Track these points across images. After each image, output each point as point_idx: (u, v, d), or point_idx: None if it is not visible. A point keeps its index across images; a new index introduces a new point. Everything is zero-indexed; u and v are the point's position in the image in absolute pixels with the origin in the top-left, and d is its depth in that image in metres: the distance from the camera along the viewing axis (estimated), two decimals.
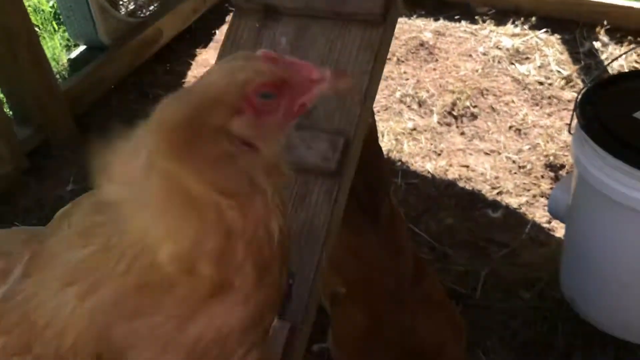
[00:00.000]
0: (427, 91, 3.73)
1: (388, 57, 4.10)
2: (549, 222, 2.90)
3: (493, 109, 3.59)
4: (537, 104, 3.59)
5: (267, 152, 0.85)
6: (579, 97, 2.04)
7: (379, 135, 3.50)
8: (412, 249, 1.97)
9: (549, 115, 3.50)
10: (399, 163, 3.32)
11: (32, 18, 3.70)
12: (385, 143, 3.44)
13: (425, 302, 1.83)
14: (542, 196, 3.04)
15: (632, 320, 2.16)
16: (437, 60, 3.97)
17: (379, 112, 3.65)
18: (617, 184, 1.84)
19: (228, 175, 0.82)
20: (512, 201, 3.03)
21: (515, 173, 3.21)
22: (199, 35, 4.34)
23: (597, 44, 3.91)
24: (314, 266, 1.20)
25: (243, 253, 0.84)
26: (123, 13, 3.92)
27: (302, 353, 1.22)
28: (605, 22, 3.94)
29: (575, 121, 2.07)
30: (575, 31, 4.02)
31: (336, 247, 1.91)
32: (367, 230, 1.87)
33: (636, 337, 2.19)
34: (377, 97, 3.76)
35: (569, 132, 2.14)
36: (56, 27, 4.24)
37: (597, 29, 3.98)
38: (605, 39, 3.93)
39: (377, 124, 3.57)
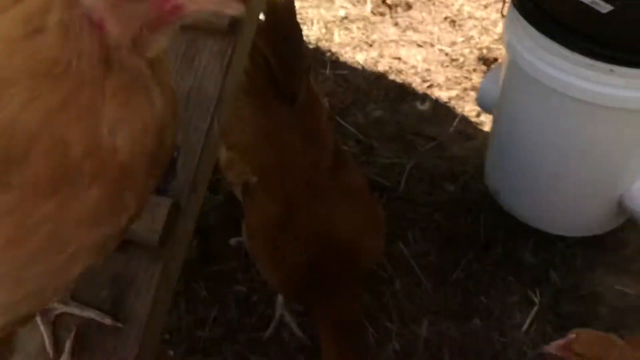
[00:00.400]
0: None
1: None
2: (478, 116, 2.82)
3: None
4: None
5: (116, 36, 0.73)
6: None
7: (308, 23, 3.28)
8: (333, 138, 1.83)
9: (485, 6, 3.36)
10: (328, 53, 3.13)
11: None
12: (315, 32, 3.23)
13: (344, 193, 1.71)
14: (473, 90, 2.94)
15: (553, 211, 2.14)
16: None
17: None
18: (550, 68, 1.75)
19: None
20: (443, 94, 2.93)
21: (447, 66, 3.08)
22: None
23: None
24: (201, 137, 1.04)
25: None
26: None
27: (188, 234, 1.09)
28: None
29: (508, 3, 1.93)
30: None
31: (247, 131, 1.76)
32: (282, 112, 1.70)
33: (557, 228, 2.19)
34: None
35: (502, 14, 2.00)
36: None
37: None
38: None
39: (306, 11, 3.35)
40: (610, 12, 1.74)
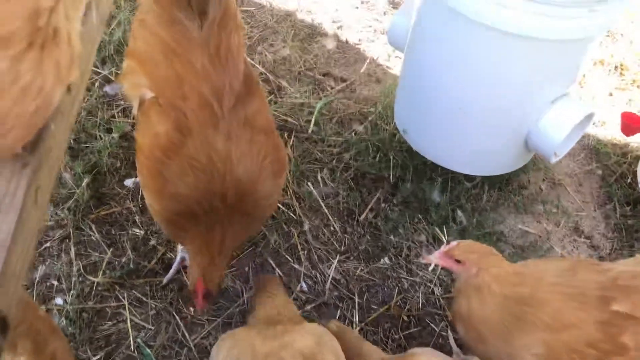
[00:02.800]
0: None
1: None
2: (388, 59, 2.77)
3: None
4: None
5: None
6: None
7: None
8: (246, 65, 1.65)
9: None
10: None
11: None
12: None
13: (247, 126, 1.55)
14: (382, 33, 2.88)
15: (460, 150, 2.12)
16: None
17: None
18: None
19: None
20: (353, 36, 2.85)
21: (357, 8, 3.00)
22: None
23: None
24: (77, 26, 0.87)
25: None
26: None
27: (62, 141, 0.92)
28: None
29: None
30: None
31: (149, 41, 1.56)
32: (189, 27, 1.51)
33: (463, 167, 2.18)
34: None
35: None
36: None
37: None
38: None
39: None
40: None
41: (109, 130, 2.24)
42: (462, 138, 2.08)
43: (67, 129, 0.91)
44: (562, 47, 1.77)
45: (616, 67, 2.86)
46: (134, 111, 1.67)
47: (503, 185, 2.31)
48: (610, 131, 2.60)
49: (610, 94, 2.76)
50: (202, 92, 1.51)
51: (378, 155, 2.32)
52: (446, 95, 1.98)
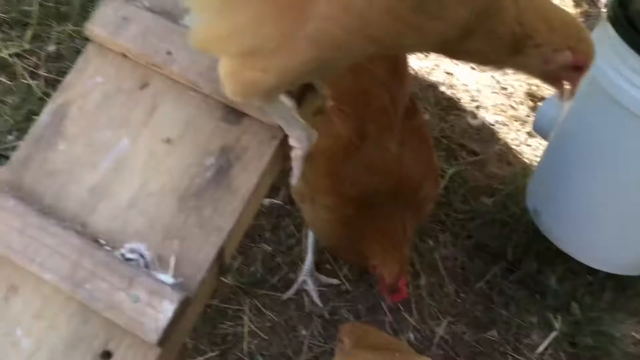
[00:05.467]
0: None
1: None
2: (519, 145, 2.84)
3: None
4: None
5: None
6: None
7: None
8: (410, 83, 1.86)
9: None
10: None
11: None
12: None
13: (415, 135, 1.74)
14: (517, 120, 2.97)
15: (591, 241, 2.13)
16: None
17: None
18: (635, 89, 1.75)
19: None
20: (489, 117, 2.94)
21: (496, 92, 3.11)
22: None
23: None
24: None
25: None
26: None
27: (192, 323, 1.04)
28: None
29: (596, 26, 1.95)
30: None
31: None
32: None
33: (589, 259, 2.17)
34: None
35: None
36: None
37: None
38: None
39: None
40: None
41: None
42: (596, 231, 2.09)
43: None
44: None
45: None
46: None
47: (626, 286, 2.27)
48: None
49: None
50: (382, 99, 1.66)
51: (502, 231, 2.36)
52: (590, 186, 2.02)
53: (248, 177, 0.98)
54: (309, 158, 1.76)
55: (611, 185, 1.97)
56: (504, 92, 3.13)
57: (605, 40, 1.87)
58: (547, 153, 2.27)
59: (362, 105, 1.69)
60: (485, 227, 2.38)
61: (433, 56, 3.20)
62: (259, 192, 1.01)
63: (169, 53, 1.04)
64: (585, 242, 2.15)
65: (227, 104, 1.03)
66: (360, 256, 1.81)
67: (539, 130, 2.36)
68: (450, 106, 2.94)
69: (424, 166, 1.75)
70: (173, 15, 1.09)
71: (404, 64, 1.77)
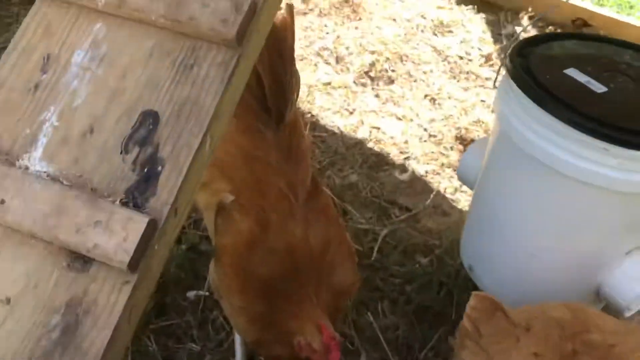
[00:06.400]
0: (347, 48, 3.53)
1: (310, 7, 3.88)
2: (453, 193, 2.79)
3: (410, 76, 3.45)
4: (454, 77, 3.49)
5: None
6: (510, 50, 1.90)
7: None
8: (311, 165, 1.78)
9: (465, 89, 3.41)
10: (309, 115, 3.10)
11: None
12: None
13: (320, 215, 1.66)
14: (449, 167, 2.93)
15: (528, 292, 2.05)
16: (360, 19, 3.78)
17: None
18: (543, 141, 1.71)
19: None
20: (420, 168, 2.90)
21: (425, 141, 3.08)
22: None
23: (518, 29, 3.87)
24: (191, 154, 0.93)
25: None
26: None
27: (161, 262, 0.96)
28: (530, 9, 3.92)
29: (501, 76, 1.93)
30: (500, 13, 3.98)
31: (229, 148, 1.68)
32: (267, 131, 1.66)
33: None
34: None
35: (494, 85, 1.99)
36: None
37: (521, 15, 3.96)
38: (528, 25, 3.91)
39: None
40: (604, 93, 1.75)
41: (178, 241, 2.29)
42: (530, 282, 2.02)
43: (166, 250, 0.95)
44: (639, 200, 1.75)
45: None
46: (208, 220, 1.73)
47: None
48: None
49: None
50: (278, 186, 1.59)
51: (442, 291, 2.27)
52: (516, 238, 1.96)
53: (99, 334, 0.87)
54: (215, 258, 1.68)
55: (532, 234, 1.92)
56: (433, 139, 3.10)
57: (509, 90, 1.84)
58: (472, 204, 2.22)
59: (260, 195, 1.63)
60: (424, 288, 2.29)
61: (357, 112, 3.18)
62: (115, 348, 0.90)
63: (2, 202, 0.94)
64: (520, 293, 2.07)
65: (71, 250, 0.93)
66: (283, 344, 1.69)
67: (464, 179, 2.31)
68: (378, 162, 2.89)
69: (335, 248, 1.66)
70: (11, 155, 0.99)
71: (297, 147, 1.71)
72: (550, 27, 3.89)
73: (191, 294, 2.14)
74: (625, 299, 1.90)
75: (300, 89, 3.20)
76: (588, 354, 1.51)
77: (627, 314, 1.96)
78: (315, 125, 3.03)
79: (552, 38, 2.04)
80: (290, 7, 1.71)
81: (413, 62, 3.53)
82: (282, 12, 1.72)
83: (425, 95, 3.35)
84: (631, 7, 4.07)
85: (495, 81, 2.00)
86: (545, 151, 1.72)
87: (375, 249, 2.41)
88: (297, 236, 1.59)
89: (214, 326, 2.08)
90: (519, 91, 1.77)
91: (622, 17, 3.94)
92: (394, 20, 3.80)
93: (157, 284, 2.15)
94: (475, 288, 2.22)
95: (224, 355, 2.00)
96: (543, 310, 1.64)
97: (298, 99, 3.11)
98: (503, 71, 1.93)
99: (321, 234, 1.63)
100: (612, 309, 2.13)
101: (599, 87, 1.77)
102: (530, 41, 1.99)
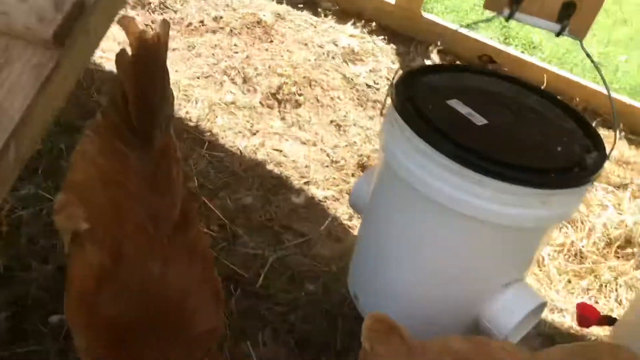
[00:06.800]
0: (255, 69, 3.47)
1: (221, 26, 3.81)
2: (350, 219, 2.76)
3: (318, 101, 3.42)
4: (361, 105, 3.49)
5: None
6: (394, 80, 1.89)
7: (193, 100, 3.16)
8: (182, 195, 1.63)
9: (371, 118, 3.42)
10: (208, 134, 3.00)
11: None
12: (198, 110, 3.11)
13: (185, 251, 1.51)
14: (348, 193, 2.90)
15: (410, 324, 2.02)
16: (271, 41, 3.75)
17: (198, 78, 3.32)
18: (420, 170, 1.69)
19: None
20: (319, 193, 2.86)
21: (327, 166, 3.04)
22: None
23: (428, 62, 3.95)
24: None
25: None
26: None
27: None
28: (438, 44, 4.01)
29: (387, 104, 1.92)
30: (410, 45, 4.04)
31: (87, 171, 1.55)
32: (130, 156, 1.51)
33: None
34: (200, 63, 3.43)
35: (381, 113, 1.98)
36: None
37: (431, 48, 4.04)
38: (437, 58, 4.00)
39: (194, 90, 3.24)
40: (484, 125, 1.76)
41: (44, 261, 2.12)
42: (411, 314, 1.99)
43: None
44: (515, 233, 1.75)
45: (575, 254, 2.86)
46: (66, 247, 1.59)
47: None
48: (567, 319, 2.54)
49: (569, 281, 2.74)
50: (137, 216, 1.46)
51: (326, 319, 2.21)
52: (397, 269, 1.93)
53: None
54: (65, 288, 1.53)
55: (410, 264, 1.90)
56: (335, 165, 3.07)
57: (392, 119, 1.82)
58: (359, 233, 2.18)
59: (117, 225, 1.48)
60: (309, 317, 2.22)
61: (260, 134, 3.11)
62: None
63: None
64: (403, 324, 2.03)
65: None
66: None
67: (355, 207, 2.27)
68: (277, 185, 2.83)
69: (198, 284, 1.52)
70: None
71: (166, 174, 1.56)
72: (458, 62, 3.99)
73: (54, 318, 1.97)
74: (503, 332, 1.89)
75: (202, 106, 3.13)
76: None
77: None
78: (214, 145, 2.94)
79: (440, 69, 2.06)
80: (165, 23, 1.60)
81: (321, 88, 3.51)
82: (155, 28, 1.62)
83: (331, 121, 3.34)
84: (534, 48, 4.25)
85: (382, 109, 1.98)
86: (425, 182, 1.70)
87: (262, 275, 2.33)
88: (153, 275, 1.45)
89: (75, 355, 1.92)
90: (401, 120, 1.75)
91: (526, 57, 4.10)
92: (306, 44, 3.79)
93: (16, 304, 1.98)
94: (359, 317, 2.18)
95: None
96: (442, 340, 1.63)
97: (197, 120, 3.03)
98: (389, 100, 1.92)
99: (182, 274, 1.48)
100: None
101: (479, 120, 1.78)
102: (418, 71, 1.99)
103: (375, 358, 1.54)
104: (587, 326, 2.28)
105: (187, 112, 3.08)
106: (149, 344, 1.43)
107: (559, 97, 2.04)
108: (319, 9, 4.12)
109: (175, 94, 3.21)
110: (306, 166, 2.99)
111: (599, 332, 2.47)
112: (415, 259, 1.88)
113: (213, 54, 3.51)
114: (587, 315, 2.23)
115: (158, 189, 1.52)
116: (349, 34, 3.99)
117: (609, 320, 2.22)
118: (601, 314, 2.22)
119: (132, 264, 1.44)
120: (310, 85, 3.51)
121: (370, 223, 2.06)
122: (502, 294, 1.90)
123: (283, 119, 3.28)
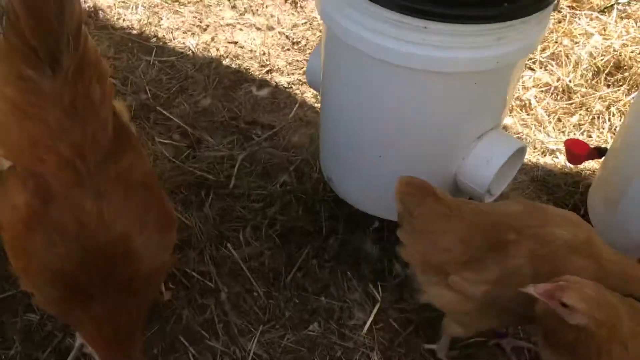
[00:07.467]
0: None
1: None
2: (318, 101, 2.59)
3: None
4: None
5: None
6: None
7: (132, 6, 2.92)
8: (116, 117, 1.46)
9: None
10: (154, 39, 2.80)
11: None
12: (139, 15, 2.88)
13: (119, 181, 1.36)
14: None
15: (386, 196, 1.92)
16: None
17: None
18: (362, 29, 1.52)
19: None
20: (282, 80, 2.68)
21: (288, 49, 2.84)
22: None
23: None
24: None
25: None
26: None
27: None
28: None
29: None
30: None
31: None
32: (40, 82, 1.32)
33: (392, 214, 1.97)
34: None
35: None
36: None
37: None
38: None
39: None
40: None
41: None
42: (386, 184, 1.88)
43: None
44: (474, 79, 1.59)
45: (563, 90, 2.70)
46: None
47: None
48: (560, 159, 2.42)
49: (559, 120, 2.59)
50: (59, 151, 1.32)
51: (305, 206, 2.13)
52: (362, 140, 1.80)
53: None
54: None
55: (376, 132, 1.76)
56: (296, 46, 2.86)
57: None
58: (320, 112, 2.03)
59: (39, 162, 1.33)
60: (288, 208, 2.14)
61: (211, 28, 2.90)
62: None
63: None
64: (378, 198, 1.93)
65: None
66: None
67: (313, 85, 2.12)
68: (236, 80, 2.65)
69: (139, 217, 1.38)
70: None
71: (86, 97, 1.36)
72: None
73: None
74: (483, 184, 1.79)
75: (143, 10, 2.89)
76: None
77: (489, 199, 1.87)
78: (162, 49, 2.74)
79: None
80: None
81: None
82: None
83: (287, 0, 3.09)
84: None
85: None
86: (366, 39, 1.53)
87: (233, 176, 2.22)
88: (87, 210, 1.32)
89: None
90: None
91: None
92: None
93: None
94: (337, 199, 2.09)
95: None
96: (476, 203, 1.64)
97: (140, 27, 2.81)
98: None
99: (120, 205, 1.35)
100: (474, 199, 2.04)
101: None
102: None
103: (415, 220, 1.54)
104: (579, 162, 2.16)
105: (128, 20, 2.85)
106: (97, 286, 1.34)
107: None
108: None
109: (111, 1, 2.97)
110: (265, 53, 2.79)
111: (593, 165, 2.36)
112: (376, 126, 1.74)
113: None
114: (576, 151, 2.10)
115: (79, 116, 1.34)
116: None
117: (599, 152, 2.10)
118: (590, 146, 2.10)
119: (63, 203, 1.31)
120: None
121: (327, 99, 1.91)
122: (475, 146, 1.77)
123: (234, 7, 3.04)
